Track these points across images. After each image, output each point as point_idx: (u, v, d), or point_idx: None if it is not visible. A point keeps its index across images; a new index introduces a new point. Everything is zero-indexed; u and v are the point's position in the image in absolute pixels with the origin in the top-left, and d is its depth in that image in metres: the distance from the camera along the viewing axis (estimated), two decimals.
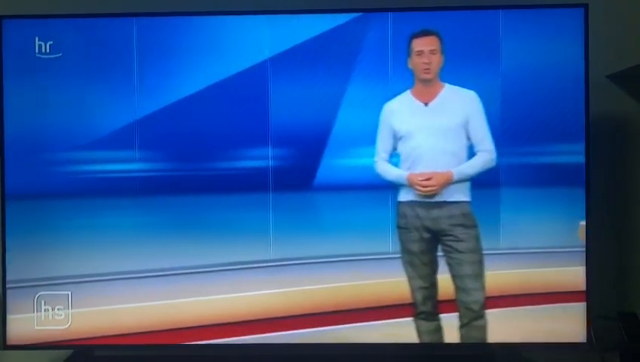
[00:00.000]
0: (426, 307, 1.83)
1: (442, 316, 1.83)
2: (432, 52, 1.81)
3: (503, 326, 1.82)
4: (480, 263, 1.81)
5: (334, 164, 1.83)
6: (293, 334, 1.84)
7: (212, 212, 1.85)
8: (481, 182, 1.81)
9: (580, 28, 1.80)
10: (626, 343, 1.83)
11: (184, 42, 1.84)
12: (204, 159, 1.85)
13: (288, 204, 1.84)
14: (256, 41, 1.83)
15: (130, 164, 1.85)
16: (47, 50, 1.84)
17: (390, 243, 1.83)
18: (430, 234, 1.82)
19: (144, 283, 1.84)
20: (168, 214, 1.85)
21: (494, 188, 1.81)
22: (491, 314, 1.82)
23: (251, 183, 1.84)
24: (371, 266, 1.83)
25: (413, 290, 1.83)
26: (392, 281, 1.83)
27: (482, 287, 1.81)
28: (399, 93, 1.83)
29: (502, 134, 1.81)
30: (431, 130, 1.81)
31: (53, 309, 1.85)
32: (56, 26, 1.85)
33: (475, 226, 1.81)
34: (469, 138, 1.81)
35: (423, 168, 1.81)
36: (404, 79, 1.82)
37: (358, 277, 1.84)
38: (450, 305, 1.83)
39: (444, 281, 1.83)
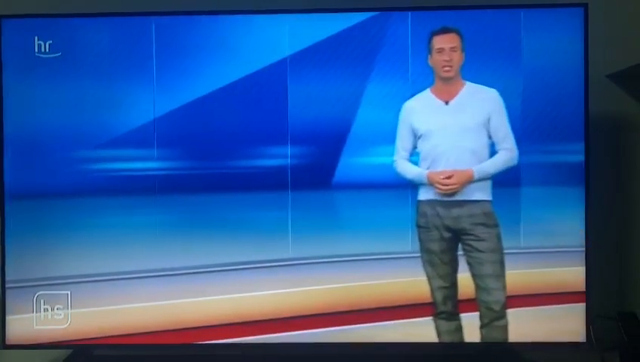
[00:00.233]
0: (446, 307, 1.81)
1: (462, 316, 1.82)
2: (452, 49, 1.79)
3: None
4: (501, 263, 1.80)
5: (353, 163, 1.82)
6: (312, 333, 1.83)
7: (230, 210, 1.84)
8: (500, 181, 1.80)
9: (579, 27, 1.79)
10: (626, 343, 1.82)
11: (203, 41, 1.83)
12: (222, 157, 1.84)
13: (307, 203, 1.83)
14: (276, 39, 1.82)
15: (148, 163, 1.84)
16: (47, 50, 1.84)
17: (410, 243, 1.82)
18: (450, 233, 1.81)
19: (151, 283, 1.83)
20: (185, 213, 1.84)
21: (514, 187, 1.80)
22: None
23: (270, 182, 1.83)
24: (391, 265, 1.82)
25: (433, 290, 1.82)
26: (412, 281, 1.82)
27: (503, 287, 1.80)
28: (419, 91, 1.82)
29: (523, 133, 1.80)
30: (451, 129, 1.80)
31: (52, 309, 1.84)
32: (55, 25, 1.84)
33: (496, 225, 1.79)
34: (490, 136, 1.80)
35: (443, 167, 1.80)
36: (424, 77, 1.81)
37: (377, 276, 1.82)
38: (469, 305, 1.81)
39: (463, 280, 1.81)
